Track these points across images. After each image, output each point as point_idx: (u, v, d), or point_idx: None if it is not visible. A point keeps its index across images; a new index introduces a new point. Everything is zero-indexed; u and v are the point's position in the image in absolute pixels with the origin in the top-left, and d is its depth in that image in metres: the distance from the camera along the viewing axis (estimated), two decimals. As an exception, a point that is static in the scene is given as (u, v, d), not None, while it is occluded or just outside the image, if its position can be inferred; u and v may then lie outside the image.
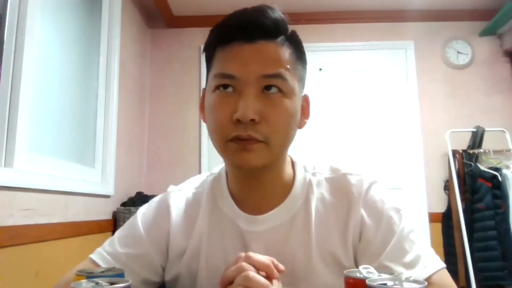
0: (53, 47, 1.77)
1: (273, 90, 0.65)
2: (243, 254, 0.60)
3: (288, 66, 0.66)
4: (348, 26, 3.04)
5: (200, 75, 3.02)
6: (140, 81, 2.85)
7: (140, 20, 2.85)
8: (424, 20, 3.03)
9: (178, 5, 2.89)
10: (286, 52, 0.67)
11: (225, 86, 0.66)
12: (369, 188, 0.73)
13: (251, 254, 0.59)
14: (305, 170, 0.77)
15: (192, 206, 0.77)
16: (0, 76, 1.40)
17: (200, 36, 3.05)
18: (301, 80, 0.71)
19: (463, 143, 2.79)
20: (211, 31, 0.69)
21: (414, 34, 3.03)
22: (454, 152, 2.72)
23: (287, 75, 0.66)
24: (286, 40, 0.68)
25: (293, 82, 0.67)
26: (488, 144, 2.72)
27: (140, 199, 2.40)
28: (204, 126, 2.93)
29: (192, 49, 3.05)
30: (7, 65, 1.42)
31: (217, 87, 0.67)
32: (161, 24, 3.05)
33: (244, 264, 0.57)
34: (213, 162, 2.87)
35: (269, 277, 0.57)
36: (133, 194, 2.52)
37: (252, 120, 0.63)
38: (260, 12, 0.66)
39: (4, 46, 1.43)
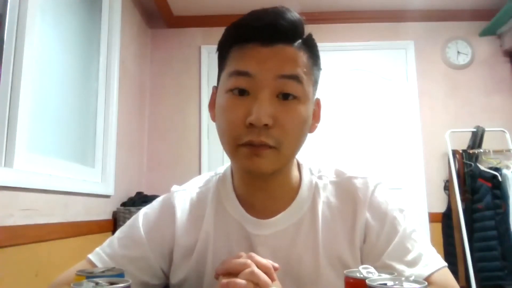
0: (53, 47, 1.77)
1: (290, 98, 0.64)
2: (243, 254, 0.60)
3: (305, 70, 0.66)
4: (348, 26, 3.04)
5: (200, 75, 3.02)
6: (140, 81, 2.85)
7: (140, 20, 2.85)
8: (424, 20, 3.03)
9: (178, 5, 2.89)
10: (303, 57, 0.66)
11: (241, 91, 0.64)
12: (374, 190, 0.73)
13: (253, 254, 0.59)
14: (311, 173, 0.76)
15: (197, 206, 0.76)
16: (0, 76, 1.40)
17: (200, 36, 3.05)
18: (315, 84, 0.71)
19: (463, 143, 2.78)
20: (227, 29, 0.68)
21: (414, 34, 3.03)
22: (454, 152, 2.72)
23: (304, 78, 0.65)
24: (303, 44, 0.67)
25: (308, 87, 0.67)
26: (488, 144, 2.72)
27: (140, 199, 2.40)
28: (204, 126, 2.93)
29: (192, 49, 3.05)
30: (7, 65, 1.42)
31: (231, 89, 0.65)
32: (161, 24, 3.04)
33: (249, 261, 0.57)
34: (213, 162, 2.87)
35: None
36: (133, 194, 2.52)
37: (266, 125, 0.62)
38: (279, 14, 0.65)
39: (4, 46, 1.43)
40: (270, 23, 0.64)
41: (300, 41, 0.67)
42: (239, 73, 0.65)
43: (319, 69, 0.72)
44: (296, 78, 0.64)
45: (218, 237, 0.73)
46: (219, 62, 0.71)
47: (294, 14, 0.66)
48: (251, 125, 0.62)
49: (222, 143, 0.68)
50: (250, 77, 0.64)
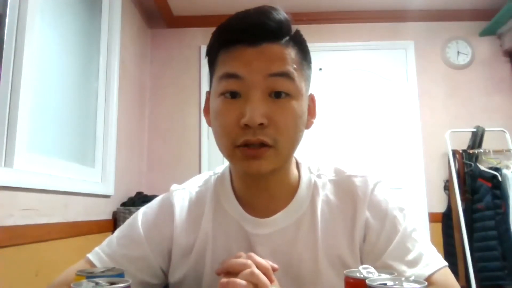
0: (53, 47, 1.77)
1: (282, 96, 0.64)
2: (243, 253, 0.60)
3: (295, 66, 0.65)
4: (348, 26, 3.04)
5: (200, 75, 3.02)
6: (140, 81, 2.85)
7: (140, 20, 2.85)
8: (424, 20, 3.03)
9: (178, 5, 2.89)
10: (291, 53, 0.66)
11: (233, 94, 0.64)
12: (373, 189, 0.73)
13: (253, 254, 0.59)
14: (310, 172, 0.76)
15: (196, 206, 0.76)
16: (0, 76, 1.40)
17: (200, 36, 3.05)
18: (307, 79, 0.70)
19: (463, 143, 2.78)
20: (213, 33, 0.68)
21: (414, 34, 3.03)
22: (454, 152, 2.72)
23: (294, 74, 0.65)
24: (291, 41, 0.66)
25: (300, 82, 0.66)
26: (488, 144, 2.72)
27: (140, 199, 2.40)
28: (204, 126, 2.93)
29: (192, 49, 3.05)
30: (7, 65, 1.42)
31: (223, 93, 0.65)
32: (161, 24, 3.04)
33: (249, 262, 0.57)
34: (213, 162, 2.87)
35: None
36: (133, 194, 2.52)
37: (261, 124, 0.62)
38: (264, 14, 0.64)
39: (4, 46, 1.43)
40: (254, 24, 0.64)
41: (287, 38, 0.66)
42: (228, 76, 0.65)
43: (309, 64, 0.71)
44: (286, 75, 0.64)
45: (217, 236, 0.73)
46: (209, 67, 0.71)
47: (279, 13, 0.65)
48: (246, 126, 0.62)
49: (219, 147, 0.68)
50: (240, 79, 0.64)
